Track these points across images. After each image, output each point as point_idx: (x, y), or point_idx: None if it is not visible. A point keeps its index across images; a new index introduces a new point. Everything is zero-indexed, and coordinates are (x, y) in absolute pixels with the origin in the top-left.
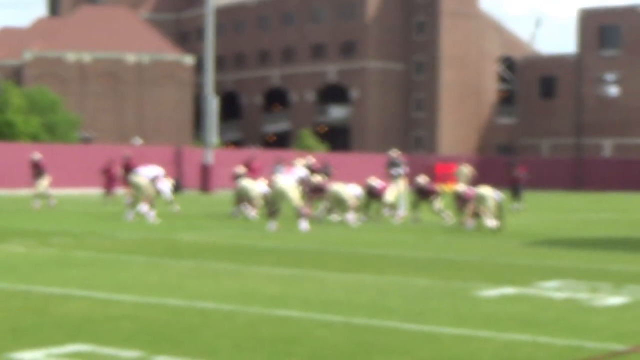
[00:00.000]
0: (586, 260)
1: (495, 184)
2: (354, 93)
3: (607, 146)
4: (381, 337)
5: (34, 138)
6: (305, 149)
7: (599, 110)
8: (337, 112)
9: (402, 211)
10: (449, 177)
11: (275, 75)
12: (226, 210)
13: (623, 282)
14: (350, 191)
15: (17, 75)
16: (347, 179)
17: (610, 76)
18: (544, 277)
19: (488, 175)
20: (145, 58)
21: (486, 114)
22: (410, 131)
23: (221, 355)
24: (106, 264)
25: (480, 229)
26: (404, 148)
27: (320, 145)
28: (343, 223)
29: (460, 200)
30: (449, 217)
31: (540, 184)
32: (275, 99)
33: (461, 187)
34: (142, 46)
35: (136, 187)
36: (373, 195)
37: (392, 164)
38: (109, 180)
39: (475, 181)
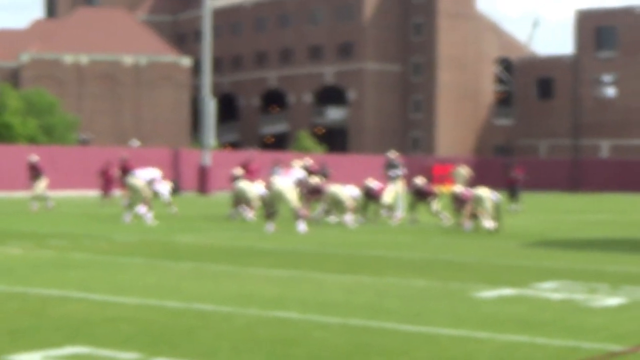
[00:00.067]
0: (583, 261)
1: (493, 185)
2: (352, 94)
3: (605, 147)
4: (379, 338)
5: (32, 140)
6: (303, 151)
7: (596, 111)
8: (334, 114)
9: (400, 212)
10: (447, 179)
11: (272, 76)
12: (224, 212)
13: (620, 283)
14: (348, 192)
15: (14, 77)
16: (344, 180)
17: (607, 77)
18: (542, 278)
19: (486, 176)
20: (143, 60)
21: (484, 115)
22: (408, 132)
23: (219, 357)
24: (104, 266)
25: (478, 230)
26: (401, 149)
27: (317, 146)
28: (341, 224)
29: (458, 202)
30: (447, 218)
31: (537, 185)
32: (273, 100)
33: (459, 188)
34: (139, 48)
35: (133, 189)
36: (371, 196)
37: (390, 165)
38: (106, 182)
39: (473, 182)
